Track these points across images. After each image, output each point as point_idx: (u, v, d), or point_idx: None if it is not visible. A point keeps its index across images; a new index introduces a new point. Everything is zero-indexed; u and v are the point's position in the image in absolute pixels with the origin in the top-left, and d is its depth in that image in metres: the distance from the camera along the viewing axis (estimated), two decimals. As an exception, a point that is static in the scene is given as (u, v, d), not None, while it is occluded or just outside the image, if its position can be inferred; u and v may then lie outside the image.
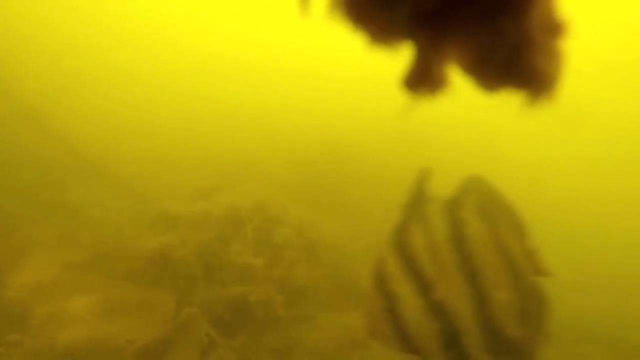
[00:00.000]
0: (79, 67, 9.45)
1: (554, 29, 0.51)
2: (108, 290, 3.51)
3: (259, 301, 3.32)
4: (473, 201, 1.96)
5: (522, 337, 1.78)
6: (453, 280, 1.76)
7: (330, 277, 4.10)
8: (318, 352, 3.27)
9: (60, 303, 3.45)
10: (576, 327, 4.35)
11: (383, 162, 7.27)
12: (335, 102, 10.64)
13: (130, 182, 5.20)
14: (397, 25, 0.51)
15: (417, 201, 2.03)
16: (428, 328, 1.74)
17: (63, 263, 3.96)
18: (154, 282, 3.46)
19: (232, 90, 10.72)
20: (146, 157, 5.93)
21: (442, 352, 1.76)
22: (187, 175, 5.54)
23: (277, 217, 4.18)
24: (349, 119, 9.13)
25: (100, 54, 10.67)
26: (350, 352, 3.49)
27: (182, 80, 10.65)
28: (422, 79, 0.54)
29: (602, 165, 11.51)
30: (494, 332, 1.71)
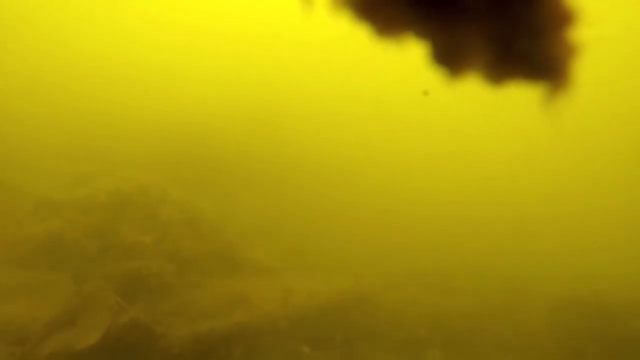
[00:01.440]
0: None
1: (564, 18, 0.52)
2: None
3: (152, 273, 3.73)
4: None
5: None
6: None
7: (212, 248, 4.61)
8: (207, 312, 3.79)
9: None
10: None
11: (255, 146, 7.83)
12: (206, 88, 10.84)
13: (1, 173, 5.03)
14: (404, 16, 0.51)
15: None
16: None
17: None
18: (47, 265, 3.65)
19: (102, 81, 10.33)
20: (15, 147, 5.71)
21: None
22: (63, 163, 5.51)
23: (160, 198, 4.53)
24: (221, 105, 9.46)
25: None
26: (234, 310, 4.08)
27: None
28: (453, 59, 0.54)
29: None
30: None
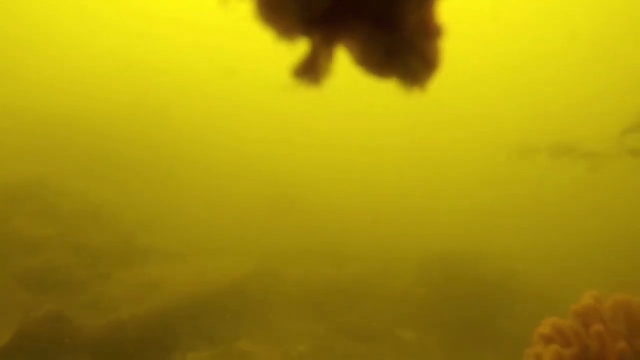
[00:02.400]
0: None
1: (432, 32, 0.53)
2: None
3: (59, 267, 3.81)
4: None
5: None
6: None
7: (118, 239, 4.73)
8: (122, 301, 3.99)
9: None
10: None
11: (149, 134, 7.82)
12: (96, 77, 10.42)
13: None
14: (300, 22, 0.50)
15: None
16: None
17: None
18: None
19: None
20: None
21: None
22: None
23: (59, 191, 4.50)
24: (112, 94, 9.19)
25: None
26: (148, 297, 4.30)
27: None
28: (310, 70, 0.53)
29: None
30: None
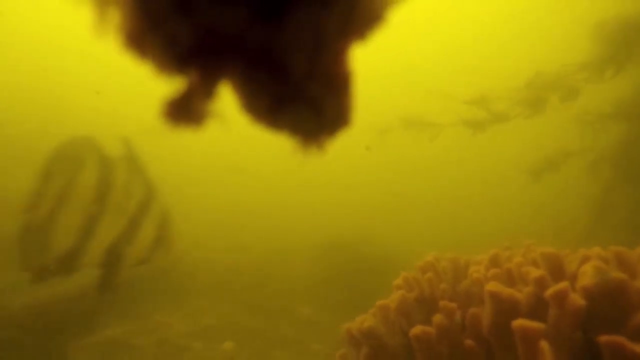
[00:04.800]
0: None
1: (334, 81, 0.46)
2: None
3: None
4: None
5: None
6: None
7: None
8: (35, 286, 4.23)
9: None
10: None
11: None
12: None
13: None
14: (175, 57, 0.43)
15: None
16: None
17: None
18: None
19: None
20: None
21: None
22: None
23: None
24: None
25: None
26: (51, 286, 4.54)
27: None
28: (186, 111, 0.46)
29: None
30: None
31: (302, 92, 0.45)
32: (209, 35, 0.42)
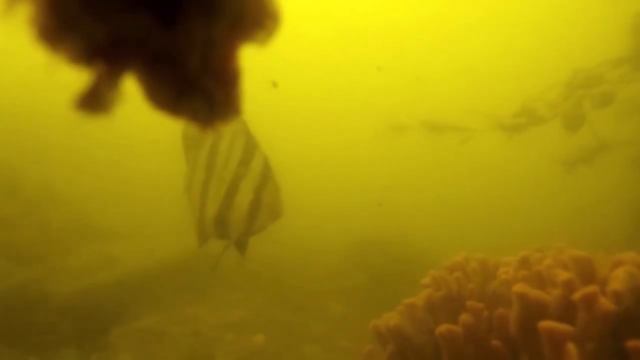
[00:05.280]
0: None
1: (224, 78, 0.50)
2: None
3: (27, 241, 4.20)
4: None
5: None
6: None
7: (73, 217, 5.13)
8: (80, 273, 4.43)
9: None
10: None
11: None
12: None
13: None
14: (84, 52, 0.46)
15: None
16: None
17: None
18: None
19: None
20: None
21: None
22: None
23: (20, 175, 4.83)
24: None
25: None
26: (102, 269, 4.73)
27: None
28: (94, 100, 0.48)
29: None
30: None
31: (197, 85, 0.50)
32: (116, 34, 0.46)
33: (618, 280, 1.18)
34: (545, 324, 1.12)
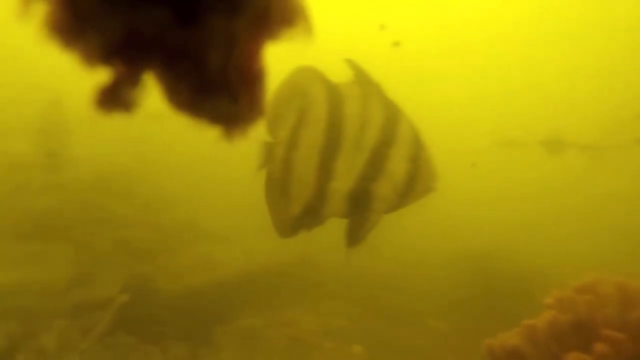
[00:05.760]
0: None
1: (248, 77, 0.51)
2: (4, 247, 4.14)
3: (140, 239, 4.52)
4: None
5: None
6: None
7: (181, 218, 5.44)
8: (187, 271, 4.67)
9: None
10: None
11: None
12: None
13: None
14: (101, 50, 0.48)
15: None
16: None
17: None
18: (46, 237, 4.27)
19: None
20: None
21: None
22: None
23: (139, 178, 5.25)
24: None
25: None
26: (206, 270, 4.94)
27: None
28: (114, 99, 0.51)
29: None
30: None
31: (219, 85, 0.49)
32: (133, 32, 0.45)
33: None
34: None
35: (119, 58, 0.49)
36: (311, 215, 2.25)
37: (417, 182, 2.09)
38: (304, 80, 1.99)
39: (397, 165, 2.01)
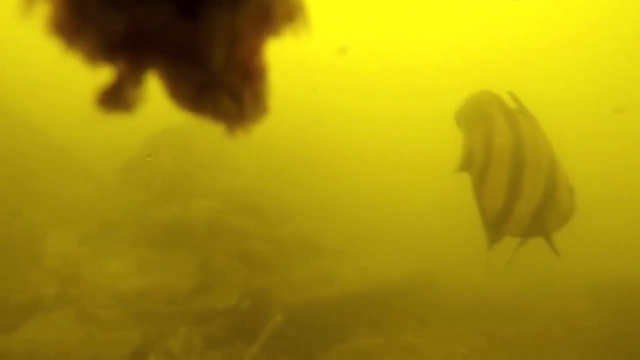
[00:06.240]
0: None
1: (250, 74, 0.52)
2: (135, 253, 4.42)
3: (259, 251, 4.54)
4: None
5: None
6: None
7: (296, 233, 5.44)
8: (304, 285, 4.59)
9: (97, 264, 4.29)
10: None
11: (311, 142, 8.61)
12: None
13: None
14: (103, 48, 0.48)
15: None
16: None
17: (81, 234, 4.73)
18: (171, 245, 4.47)
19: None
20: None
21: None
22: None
23: (257, 191, 5.37)
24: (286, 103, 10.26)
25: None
26: (322, 285, 4.84)
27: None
28: (116, 98, 0.51)
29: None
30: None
31: (221, 81, 0.51)
32: (136, 28, 0.47)
33: None
34: None
35: (122, 56, 0.50)
36: (493, 230, 2.40)
37: (572, 203, 2.31)
38: (486, 101, 2.24)
39: (563, 187, 2.24)
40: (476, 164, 2.23)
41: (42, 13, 0.47)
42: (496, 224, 2.31)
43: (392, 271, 5.44)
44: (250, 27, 0.49)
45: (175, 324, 3.49)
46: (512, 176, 2.12)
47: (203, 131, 5.68)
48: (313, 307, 4.19)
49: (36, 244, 4.40)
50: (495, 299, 5.82)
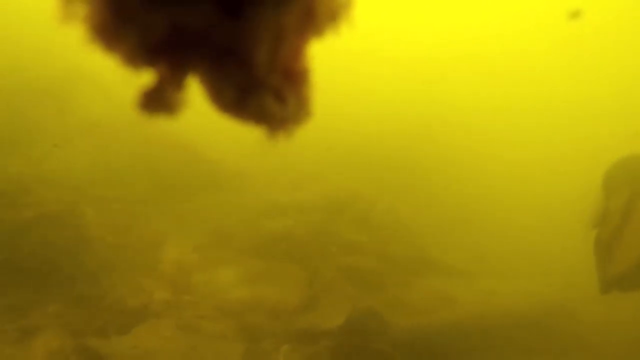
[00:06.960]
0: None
1: (294, 75, 0.53)
2: (245, 263, 4.37)
3: (367, 269, 4.24)
4: None
5: None
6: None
7: (413, 250, 5.01)
8: (418, 308, 4.17)
9: (208, 272, 4.31)
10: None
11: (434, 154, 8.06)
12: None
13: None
14: (144, 50, 0.51)
15: None
16: None
17: (196, 244, 4.82)
18: (281, 256, 4.34)
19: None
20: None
21: None
22: (281, 168, 6.30)
23: (370, 203, 5.10)
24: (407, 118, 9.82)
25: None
26: (441, 308, 4.37)
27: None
28: (158, 101, 0.54)
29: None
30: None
31: (264, 84, 0.53)
32: (177, 30, 0.50)
33: None
34: None
35: (163, 58, 0.53)
36: (629, 280, 2.84)
37: None
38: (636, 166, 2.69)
39: None
40: (612, 222, 2.66)
41: (81, 15, 0.49)
42: (631, 275, 2.77)
43: (525, 296, 4.77)
44: (295, 27, 0.51)
45: (277, 341, 3.30)
46: None
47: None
48: (426, 333, 3.76)
49: (154, 251, 4.56)
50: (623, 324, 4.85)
